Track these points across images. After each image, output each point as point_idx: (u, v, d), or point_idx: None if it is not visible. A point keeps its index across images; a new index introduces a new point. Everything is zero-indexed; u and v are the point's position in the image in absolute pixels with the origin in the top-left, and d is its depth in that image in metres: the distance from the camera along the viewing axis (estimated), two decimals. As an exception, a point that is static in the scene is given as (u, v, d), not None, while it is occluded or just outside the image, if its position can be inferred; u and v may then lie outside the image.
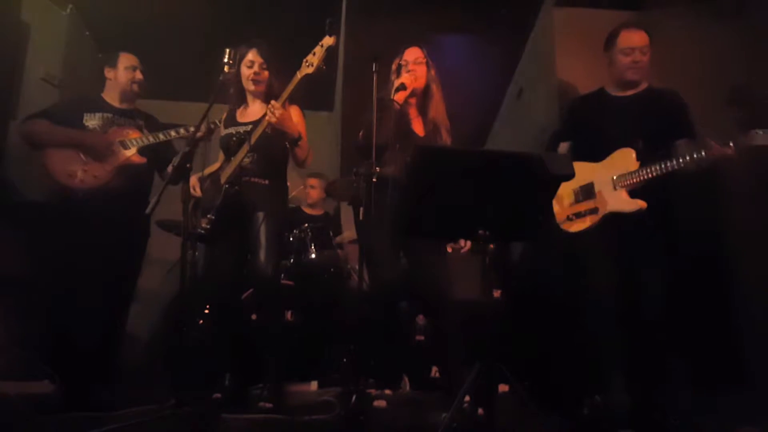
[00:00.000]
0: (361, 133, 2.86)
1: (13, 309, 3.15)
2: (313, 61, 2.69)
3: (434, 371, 3.53)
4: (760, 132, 2.51)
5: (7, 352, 3.04)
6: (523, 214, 2.26)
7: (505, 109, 5.06)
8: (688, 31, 3.61)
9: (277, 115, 2.71)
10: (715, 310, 3.17)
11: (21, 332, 3.13)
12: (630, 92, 2.92)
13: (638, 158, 2.74)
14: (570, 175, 2.53)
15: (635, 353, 2.66)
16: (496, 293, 3.62)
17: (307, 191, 4.63)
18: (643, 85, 2.93)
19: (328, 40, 2.65)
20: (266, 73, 3.01)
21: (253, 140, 2.83)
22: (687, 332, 3.06)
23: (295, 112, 3.00)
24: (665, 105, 2.85)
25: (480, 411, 2.18)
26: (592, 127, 2.93)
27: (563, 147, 3.08)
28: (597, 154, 2.85)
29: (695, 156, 2.57)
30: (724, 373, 3.01)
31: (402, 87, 2.82)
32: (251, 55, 2.99)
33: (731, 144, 2.53)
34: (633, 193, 2.75)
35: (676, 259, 2.89)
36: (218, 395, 2.83)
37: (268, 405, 2.71)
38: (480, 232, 2.21)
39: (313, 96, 4.78)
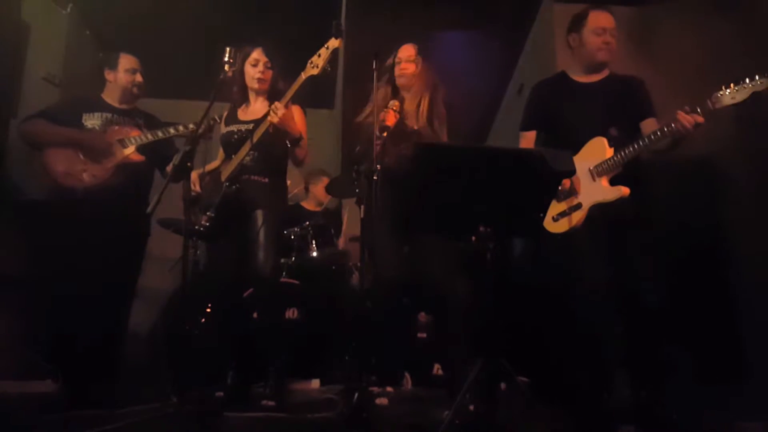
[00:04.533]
0: (358, 149, 2.90)
1: (14, 308, 3.16)
2: (318, 62, 2.69)
3: (436, 368, 3.53)
4: (727, 91, 2.44)
5: (10, 352, 3.05)
6: (523, 211, 2.26)
7: (505, 106, 5.06)
8: (688, 25, 3.61)
9: (279, 115, 2.71)
10: (716, 303, 3.17)
11: (23, 332, 3.13)
12: (595, 78, 2.89)
13: (611, 145, 2.71)
14: (572, 172, 2.53)
15: (636, 348, 2.66)
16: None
17: (317, 189, 4.58)
18: (605, 72, 2.90)
19: (333, 42, 2.64)
20: (270, 72, 3.01)
21: (255, 139, 2.83)
22: (688, 326, 3.07)
23: (296, 112, 3.00)
24: (628, 89, 2.83)
25: (482, 407, 2.18)
26: (559, 115, 2.88)
27: (529, 137, 2.99)
28: (569, 144, 2.77)
29: (666, 129, 2.54)
30: (726, 367, 3.02)
31: (386, 128, 2.85)
32: (256, 54, 2.99)
33: (699, 109, 2.49)
34: (615, 182, 2.71)
35: (676, 251, 2.89)
36: (221, 393, 2.83)
37: (271, 403, 2.71)
38: (480, 228, 2.21)
39: (313, 93, 4.76)
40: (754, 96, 2.41)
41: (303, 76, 2.75)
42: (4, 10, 3.60)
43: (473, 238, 3.05)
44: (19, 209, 3.44)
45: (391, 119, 2.85)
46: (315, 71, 2.71)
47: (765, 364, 2.91)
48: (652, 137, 2.58)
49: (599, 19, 2.83)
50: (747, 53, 3.30)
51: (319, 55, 2.70)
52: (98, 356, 2.98)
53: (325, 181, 4.55)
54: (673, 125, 2.52)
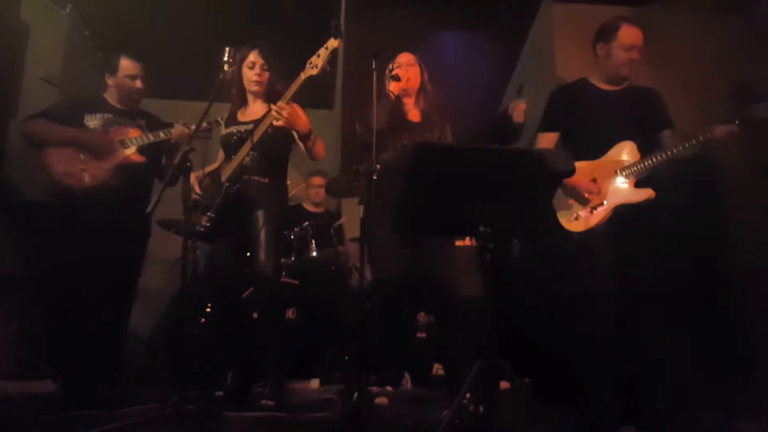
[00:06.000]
0: (357, 125, 2.90)
1: (14, 309, 3.16)
2: (317, 62, 2.69)
3: (436, 368, 3.53)
4: (764, 104, 2.52)
5: (10, 352, 3.05)
6: (524, 211, 2.26)
7: (505, 106, 5.05)
8: (688, 26, 3.61)
9: (284, 116, 2.71)
10: (716, 302, 3.17)
11: (23, 332, 3.13)
12: (617, 87, 2.93)
13: (639, 150, 2.78)
14: (571, 172, 2.54)
15: (637, 348, 2.66)
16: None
17: (314, 191, 4.60)
18: (626, 83, 2.95)
19: (333, 43, 2.65)
20: (267, 74, 3.00)
21: (255, 138, 2.83)
22: (689, 326, 3.07)
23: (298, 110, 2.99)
24: (647, 100, 2.90)
25: (481, 408, 2.18)
26: (580, 119, 2.91)
27: (550, 137, 3.02)
28: (590, 148, 2.84)
29: (701, 138, 2.60)
30: (726, 366, 3.02)
31: (396, 78, 2.96)
32: (252, 56, 2.98)
33: (737, 121, 2.55)
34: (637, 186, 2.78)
35: (677, 250, 2.90)
36: (220, 393, 2.83)
37: (270, 403, 2.71)
38: (481, 229, 2.21)
39: (313, 94, 4.77)
40: None
41: (302, 76, 2.74)
42: (4, 10, 3.60)
43: (473, 238, 3.06)
44: (18, 210, 3.44)
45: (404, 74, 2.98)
46: (314, 71, 2.70)
47: (765, 364, 2.92)
48: (687, 144, 2.64)
49: (629, 35, 2.86)
50: (748, 55, 3.31)
51: (318, 56, 2.69)
52: (98, 356, 2.98)
53: (321, 180, 4.57)
54: (710, 135, 2.58)
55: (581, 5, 4.00)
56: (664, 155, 2.68)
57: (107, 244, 3.05)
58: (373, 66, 2.71)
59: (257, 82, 2.99)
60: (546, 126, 3.05)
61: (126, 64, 3.32)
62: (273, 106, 2.75)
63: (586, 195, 2.79)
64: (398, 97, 3.03)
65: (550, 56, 3.99)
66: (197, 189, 2.99)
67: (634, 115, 2.84)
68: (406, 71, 3.06)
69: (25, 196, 3.56)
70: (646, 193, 2.73)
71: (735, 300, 3.19)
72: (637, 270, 2.72)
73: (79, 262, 3.02)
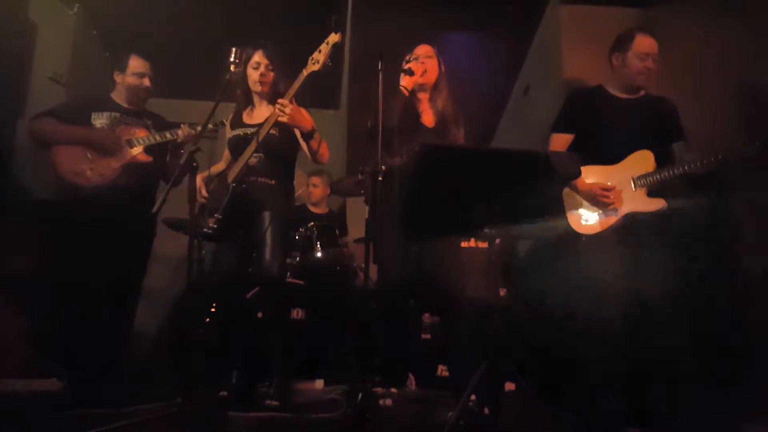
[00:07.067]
0: (369, 123, 2.89)
1: (21, 307, 3.17)
2: (319, 58, 2.69)
3: (440, 370, 3.53)
4: (749, 145, 2.55)
5: (16, 350, 3.06)
6: (529, 212, 2.25)
7: (511, 107, 5.05)
8: (695, 27, 3.59)
9: (287, 112, 2.71)
10: (720, 304, 3.15)
11: (29, 330, 3.14)
12: (632, 96, 2.96)
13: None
14: (576, 174, 2.54)
15: (641, 350, 2.66)
16: (502, 291, 3.61)
17: (309, 190, 4.63)
18: (642, 92, 2.97)
19: (333, 37, 2.65)
20: (272, 74, 3.01)
21: (261, 137, 2.82)
22: (693, 328, 3.05)
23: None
24: (661, 111, 2.93)
25: (486, 409, 2.18)
26: (595, 124, 2.93)
27: (564, 138, 3.02)
28: (603, 153, 2.86)
29: (720, 156, 2.61)
30: (730, 369, 3.00)
31: (409, 72, 2.93)
32: (257, 57, 2.99)
33: (757, 143, 2.55)
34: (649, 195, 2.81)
35: (684, 256, 2.89)
36: (225, 393, 2.84)
37: (275, 403, 2.72)
38: (486, 230, 2.21)
39: (319, 94, 4.79)
40: None
41: (305, 72, 2.75)
42: (12, 9, 3.62)
43: (479, 239, 3.06)
44: (25, 209, 3.45)
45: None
46: (316, 67, 2.70)
47: (769, 367, 2.90)
48: (705, 161, 2.65)
49: (644, 45, 2.89)
50: (754, 57, 3.29)
51: (320, 51, 2.70)
52: (104, 355, 2.99)
53: (317, 180, 4.58)
54: (728, 154, 2.60)
55: (588, 7, 3.98)
56: (681, 169, 2.70)
57: (113, 243, 3.06)
58: (379, 66, 2.70)
59: (261, 83, 2.99)
60: (561, 127, 3.06)
61: (135, 62, 3.35)
62: (277, 106, 2.75)
63: (602, 199, 2.79)
64: (413, 93, 3.02)
65: (557, 57, 3.99)
66: (204, 192, 3.00)
67: (649, 125, 2.87)
68: (423, 63, 3.03)
69: (34, 194, 3.57)
70: (660, 203, 2.76)
71: (741, 303, 3.17)
72: (643, 274, 2.72)
73: (85, 260, 3.03)
